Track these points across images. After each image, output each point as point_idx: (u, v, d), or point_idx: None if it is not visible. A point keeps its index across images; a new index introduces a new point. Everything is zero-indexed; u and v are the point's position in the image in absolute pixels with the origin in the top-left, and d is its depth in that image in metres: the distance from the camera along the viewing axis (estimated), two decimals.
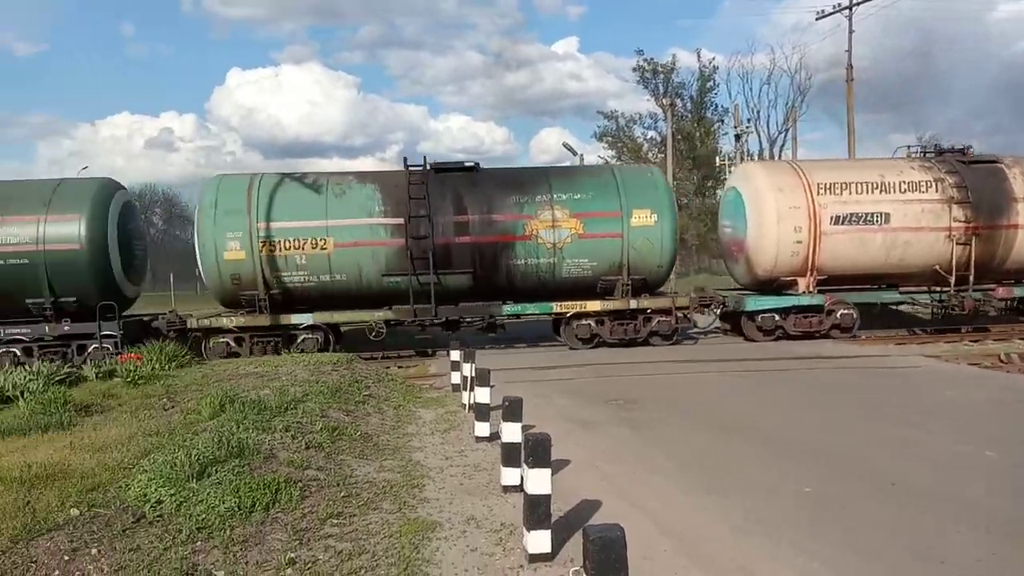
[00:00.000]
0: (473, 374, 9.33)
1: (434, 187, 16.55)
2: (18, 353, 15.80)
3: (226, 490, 5.95)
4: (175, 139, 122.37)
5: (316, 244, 16.07)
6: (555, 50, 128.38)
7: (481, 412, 8.63)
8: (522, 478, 5.42)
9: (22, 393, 10.33)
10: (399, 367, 15.84)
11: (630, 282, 16.81)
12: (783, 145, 51.11)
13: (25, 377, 11.09)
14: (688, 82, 52.62)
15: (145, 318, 17.64)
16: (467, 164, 17.43)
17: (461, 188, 16.72)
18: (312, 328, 16.56)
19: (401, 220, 16.23)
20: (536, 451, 5.03)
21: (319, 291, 16.47)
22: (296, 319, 16.45)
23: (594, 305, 16.92)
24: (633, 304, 16.88)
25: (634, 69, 52.80)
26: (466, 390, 10.26)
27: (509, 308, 16.89)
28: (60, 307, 15.92)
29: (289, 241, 16.06)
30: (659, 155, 50.03)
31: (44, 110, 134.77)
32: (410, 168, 16.92)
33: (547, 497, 5.06)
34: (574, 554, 5.08)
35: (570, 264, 16.72)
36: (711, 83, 51.97)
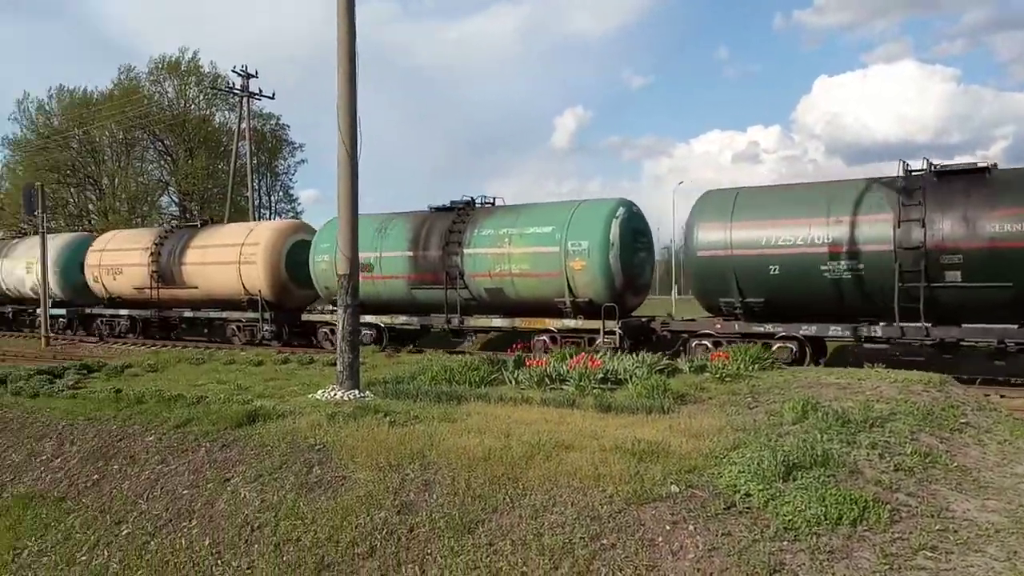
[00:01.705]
0: None
1: None
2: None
3: (812, 496, 5.99)
4: (760, 151, 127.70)
5: None
6: None
7: None
8: None
9: (630, 377, 11.96)
10: (1001, 396, 13.68)
11: None
12: None
13: (633, 364, 12.85)
14: None
15: None
16: None
17: None
18: None
19: None
20: None
21: None
22: None
23: None
24: None
25: None
26: None
27: None
28: None
29: None
30: None
31: (651, 132, 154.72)
32: None
33: None
34: None
35: None
36: None
